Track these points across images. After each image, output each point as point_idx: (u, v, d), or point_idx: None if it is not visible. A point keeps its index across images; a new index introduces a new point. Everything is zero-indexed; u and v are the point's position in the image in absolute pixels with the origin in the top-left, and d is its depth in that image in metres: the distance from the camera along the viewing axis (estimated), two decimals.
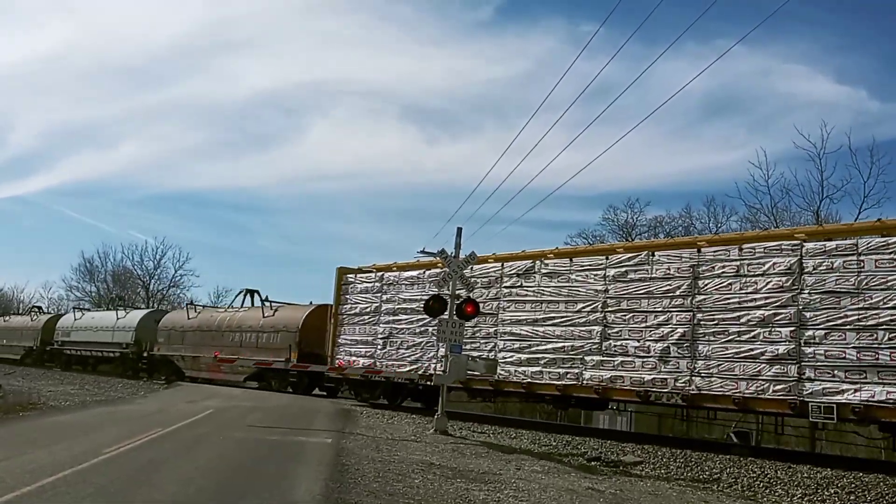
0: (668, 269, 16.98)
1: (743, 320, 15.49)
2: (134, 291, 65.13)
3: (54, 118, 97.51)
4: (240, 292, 36.46)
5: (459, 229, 19.13)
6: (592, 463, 14.15)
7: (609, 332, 17.71)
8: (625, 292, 17.65)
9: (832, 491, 11.86)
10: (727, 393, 15.47)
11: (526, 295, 19.63)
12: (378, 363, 23.44)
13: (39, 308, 58.25)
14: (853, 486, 12.11)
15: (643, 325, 17.11)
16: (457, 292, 18.48)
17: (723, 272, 16.07)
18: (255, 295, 35.20)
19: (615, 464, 14.17)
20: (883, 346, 13.53)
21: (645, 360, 16.88)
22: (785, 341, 14.78)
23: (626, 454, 15.17)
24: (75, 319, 45.96)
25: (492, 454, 14.19)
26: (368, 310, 24.33)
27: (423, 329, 21.99)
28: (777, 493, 11.91)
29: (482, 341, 20.30)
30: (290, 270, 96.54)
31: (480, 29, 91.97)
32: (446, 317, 18.11)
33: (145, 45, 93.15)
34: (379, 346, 23.52)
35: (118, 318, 41.82)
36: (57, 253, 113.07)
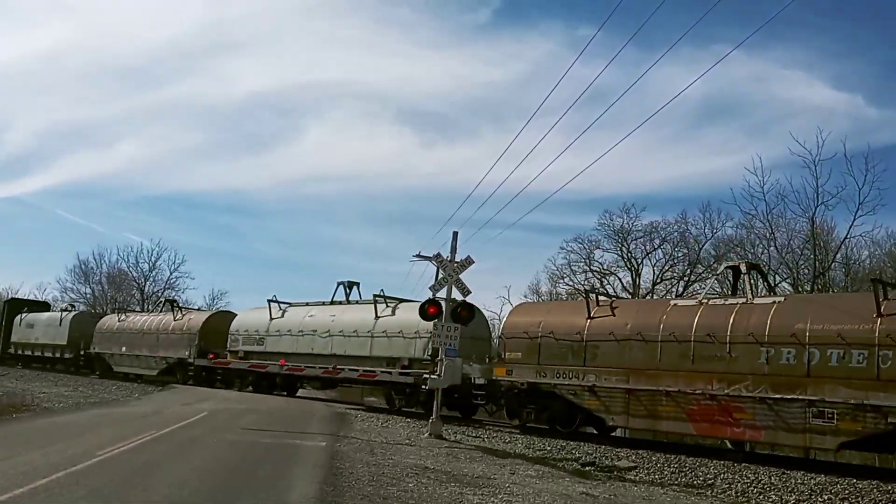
0: None
1: None
2: (129, 293, 65.00)
3: (52, 118, 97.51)
4: (726, 267, 20.71)
5: (455, 233, 19.17)
6: (587, 468, 14.16)
7: None
8: None
9: (826, 497, 11.89)
10: None
11: None
12: None
13: (174, 302, 41.75)
14: (847, 492, 12.14)
15: None
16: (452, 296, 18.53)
17: None
18: (757, 273, 19.28)
19: (609, 469, 14.19)
20: None
21: None
22: None
23: (620, 459, 15.19)
24: (272, 318, 29.88)
25: (486, 458, 14.20)
26: None
27: None
28: (771, 499, 11.93)
29: None
30: (287, 274, 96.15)
31: (478, 32, 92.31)
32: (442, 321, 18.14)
33: (144, 46, 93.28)
34: None
35: (379, 317, 25.38)
36: (52, 254, 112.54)
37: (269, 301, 29.87)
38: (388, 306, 25.81)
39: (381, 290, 26.47)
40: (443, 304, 18.76)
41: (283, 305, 30.68)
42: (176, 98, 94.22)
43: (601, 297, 20.53)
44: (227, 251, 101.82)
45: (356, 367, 25.39)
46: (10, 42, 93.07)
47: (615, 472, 13.85)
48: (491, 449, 15.99)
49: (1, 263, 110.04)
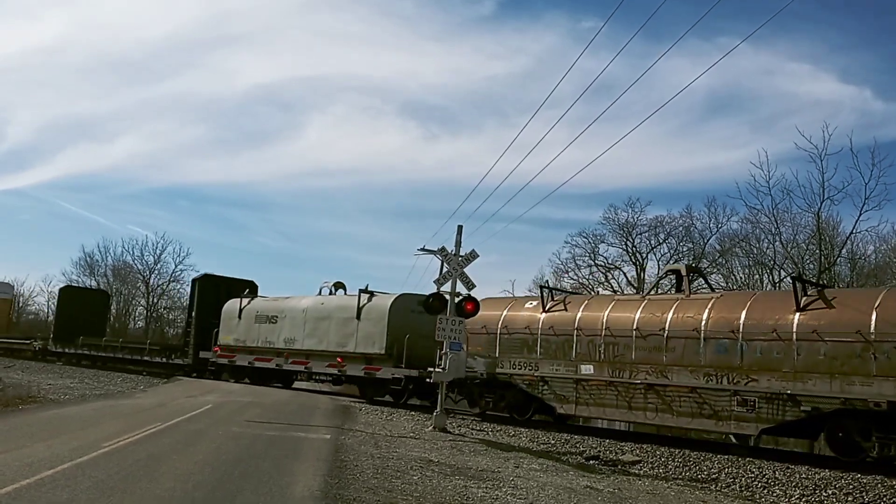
0: None
1: None
2: (134, 286, 65.19)
3: (51, 112, 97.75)
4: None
5: (460, 227, 19.12)
6: (591, 461, 14.18)
7: None
8: None
9: (830, 492, 11.87)
10: None
11: None
12: None
13: (695, 271, 22.24)
14: (851, 487, 12.12)
15: None
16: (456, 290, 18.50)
17: None
18: None
19: (614, 462, 14.20)
20: None
21: None
22: None
23: (624, 453, 15.19)
24: None
25: (490, 452, 14.21)
26: None
27: None
28: (775, 494, 11.92)
29: None
30: (289, 268, 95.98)
31: (481, 24, 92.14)
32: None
33: (143, 40, 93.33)
34: None
35: None
36: (56, 247, 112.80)
37: None
38: None
39: None
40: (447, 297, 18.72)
41: None
42: (177, 92, 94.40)
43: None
44: (231, 244, 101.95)
45: None
46: (10, 36, 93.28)
47: (619, 466, 13.86)
48: (495, 442, 16.00)
49: (5, 256, 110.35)
